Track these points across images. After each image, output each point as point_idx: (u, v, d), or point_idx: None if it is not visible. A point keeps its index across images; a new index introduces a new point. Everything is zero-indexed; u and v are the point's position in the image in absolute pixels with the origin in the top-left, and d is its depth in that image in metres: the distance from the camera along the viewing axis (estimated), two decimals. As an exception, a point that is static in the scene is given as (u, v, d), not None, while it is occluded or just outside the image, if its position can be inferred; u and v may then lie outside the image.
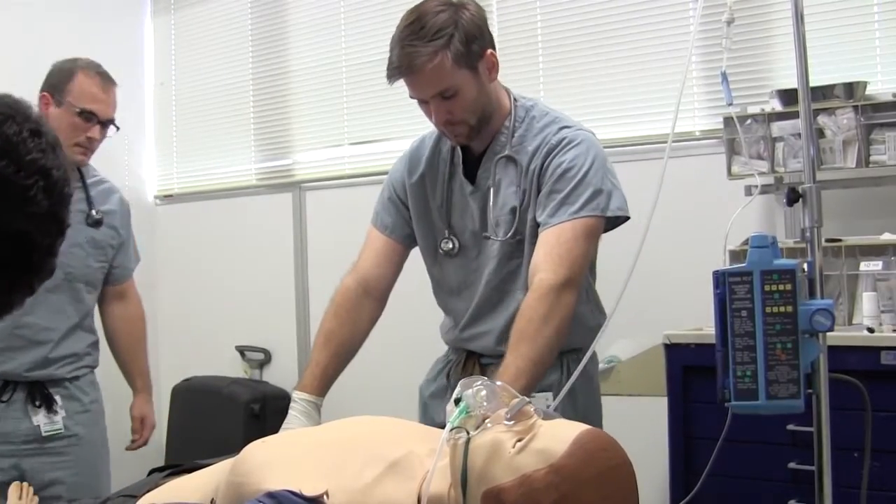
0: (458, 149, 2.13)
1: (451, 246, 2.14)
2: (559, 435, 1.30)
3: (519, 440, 1.31)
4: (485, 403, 1.37)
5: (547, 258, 1.92)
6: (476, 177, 2.09)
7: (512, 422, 1.33)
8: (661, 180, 1.61)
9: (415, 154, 2.21)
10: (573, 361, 2.05)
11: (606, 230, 2.05)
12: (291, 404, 2.07)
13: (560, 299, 1.88)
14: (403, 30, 1.95)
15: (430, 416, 2.22)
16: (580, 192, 1.96)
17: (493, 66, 2.03)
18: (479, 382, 1.39)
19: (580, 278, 1.96)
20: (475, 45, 1.97)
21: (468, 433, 1.36)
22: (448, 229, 2.14)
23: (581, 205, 1.95)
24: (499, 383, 1.41)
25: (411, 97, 2.02)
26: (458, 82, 1.95)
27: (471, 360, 2.17)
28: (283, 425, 2.05)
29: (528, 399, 1.36)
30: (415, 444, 1.48)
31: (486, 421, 1.36)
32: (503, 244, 2.05)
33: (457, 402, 1.39)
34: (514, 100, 2.11)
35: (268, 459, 1.47)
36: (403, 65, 1.93)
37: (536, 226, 2.01)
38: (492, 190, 2.06)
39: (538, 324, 1.85)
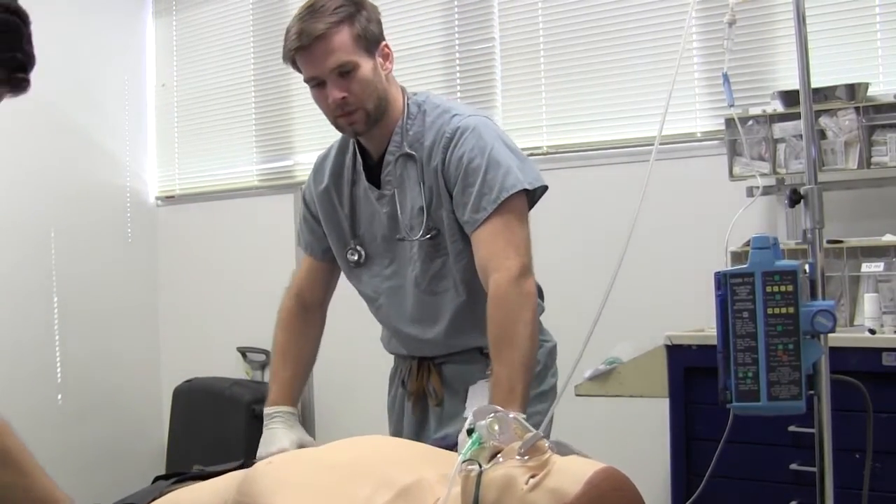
0: (359, 155, 2.11)
1: (356, 257, 2.13)
2: (573, 474, 1.28)
3: (532, 476, 1.29)
4: (497, 435, 1.36)
5: (492, 256, 1.90)
6: (379, 181, 2.08)
7: (525, 457, 1.31)
8: (646, 182, 1.61)
9: (320, 166, 2.19)
10: None
11: (529, 207, 2.01)
12: (268, 420, 2.05)
13: (521, 290, 1.87)
14: (301, 12, 1.96)
15: (396, 426, 2.25)
16: (492, 176, 1.93)
17: (388, 57, 2.03)
18: (493, 414, 1.37)
19: (530, 259, 1.95)
20: (374, 27, 1.98)
21: (480, 466, 1.34)
22: (354, 239, 2.13)
23: (499, 188, 1.92)
24: (512, 415, 1.39)
25: (306, 80, 1.99)
26: (356, 59, 1.94)
27: (423, 363, 2.16)
28: (267, 439, 2.02)
29: (541, 434, 1.34)
30: (424, 468, 1.45)
31: (499, 455, 1.34)
32: (421, 244, 2.04)
33: (469, 432, 1.37)
34: (407, 97, 2.09)
35: (276, 481, 1.45)
36: (304, 34, 1.92)
37: (455, 221, 2.00)
38: (397, 192, 2.05)
39: (511, 326, 1.85)
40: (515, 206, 1.94)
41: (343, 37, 1.93)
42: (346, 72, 1.94)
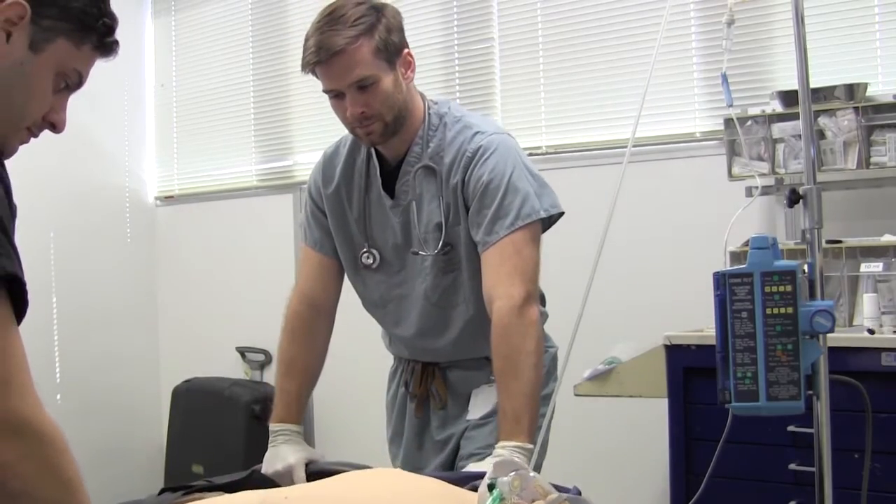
0: (375, 159, 2.06)
1: (371, 260, 2.09)
2: None
3: None
4: (519, 493, 1.35)
5: (497, 282, 1.88)
6: (395, 190, 2.04)
7: None
8: (619, 184, 1.60)
9: (328, 164, 2.13)
10: None
11: (544, 229, 2.00)
12: (274, 436, 2.02)
13: (523, 319, 1.85)
14: (320, 20, 1.90)
15: (396, 426, 2.24)
16: (509, 201, 1.91)
17: (410, 66, 1.98)
18: (514, 472, 1.37)
19: (536, 287, 1.93)
20: (395, 36, 1.92)
21: None
22: (368, 242, 2.09)
23: (514, 215, 1.90)
24: (532, 474, 1.38)
25: (325, 91, 1.95)
26: (376, 72, 1.89)
27: (428, 367, 2.15)
28: (272, 456, 1.99)
29: (564, 496, 1.33)
30: None
31: None
32: (435, 259, 2.01)
33: (490, 487, 1.36)
34: (428, 106, 2.04)
35: None
36: (323, 48, 1.86)
37: (470, 238, 1.98)
38: (414, 204, 2.01)
39: (514, 356, 1.84)
40: (529, 230, 1.92)
41: (363, 51, 1.88)
42: (365, 86, 1.90)
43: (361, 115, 1.92)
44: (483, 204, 1.93)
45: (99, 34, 1.27)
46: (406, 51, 1.97)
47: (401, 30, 1.96)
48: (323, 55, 1.87)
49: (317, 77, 1.95)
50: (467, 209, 1.98)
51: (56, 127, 1.31)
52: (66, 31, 1.23)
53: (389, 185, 2.05)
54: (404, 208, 2.03)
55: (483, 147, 1.96)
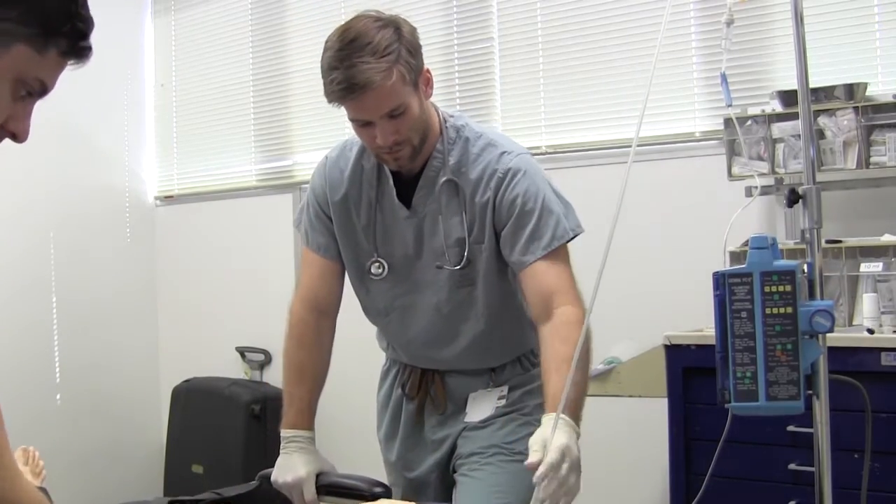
0: (386, 169, 2.02)
1: (381, 270, 2.06)
2: None
3: None
4: None
5: (560, 288, 1.89)
6: (411, 201, 2.02)
7: None
8: (624, 182, 1.60)
9: (334, 168, 2.09)
10: (524, 359, 2.10)
11: None
12: (286, 443, 2.01)
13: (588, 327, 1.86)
14: (345, 48, 1.83)
15: (390, 427, 2.23)
16: (544, 223, 1.92)
17: (429, 83, 1.96)
18: None
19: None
20: (417, 58, 1.89)
21: None
22: (377, 252, 2.06)
23: (550, 236, 1.92)
24: None
25: (352, 119, 1.90)
26: (406, 100, 1.87)
27: (428, 373, 2.14)
28: (284, 464, 1.97)
29: None
30: None
31: None
32: (452, 273, 2.01)
33: None
34: (443, 119, 2.02)
35: None
36: (358, 83, 1.80)
37: (492, 256, 1.98)
38: (437, 217, 2.00)
39: (584, 350, 1.80)
40: (564, 250, 1.95)
41: (395, 83, 1.83)
42: (396, 114, 1.87)
43: (393, 142, 1.89)
44: (519, 225, 1.93)
45: (68, 39, 1.15)
46: (425, 69, 1.94)
47: (420, 48, 1.92)
48: (357, 92, 1.82)
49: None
50: (494, 228, 1.97)
51: (17, 137, 1.20)
52: (27, 37, 1.12)
53: (404, 196, 2.03)
54: (419, 220, 2.02)
55: (513, 169, 1.96)
